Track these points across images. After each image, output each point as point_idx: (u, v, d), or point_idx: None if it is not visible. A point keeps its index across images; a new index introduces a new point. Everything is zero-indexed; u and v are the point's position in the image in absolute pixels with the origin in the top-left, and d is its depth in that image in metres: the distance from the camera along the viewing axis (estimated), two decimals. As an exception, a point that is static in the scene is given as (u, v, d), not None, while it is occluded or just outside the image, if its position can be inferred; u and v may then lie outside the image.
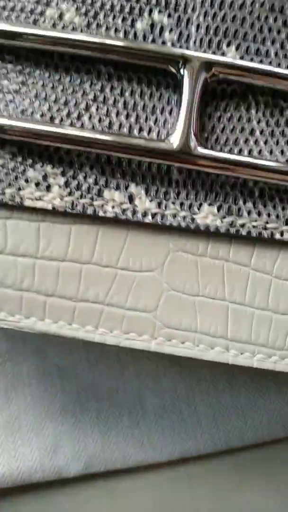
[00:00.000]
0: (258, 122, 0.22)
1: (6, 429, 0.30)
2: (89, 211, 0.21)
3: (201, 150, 0.21)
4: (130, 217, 0.21)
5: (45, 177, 0.21)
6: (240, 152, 0.22)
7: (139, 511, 0.31)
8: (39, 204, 0.21)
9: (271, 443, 0.32)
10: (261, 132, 0.22)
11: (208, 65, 0.21)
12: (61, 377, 0.31)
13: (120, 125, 0.21)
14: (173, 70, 0.21)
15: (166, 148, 0.21)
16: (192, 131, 0.21)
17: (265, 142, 0.22)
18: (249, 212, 0.22)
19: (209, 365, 0.31)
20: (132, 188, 0.22)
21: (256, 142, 0.22)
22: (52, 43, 0.21)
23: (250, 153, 0.22)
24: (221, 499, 0.31)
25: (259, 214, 0.22)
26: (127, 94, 0.21)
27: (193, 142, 0.21)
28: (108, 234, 0.22)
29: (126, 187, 0.22)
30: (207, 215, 0.22)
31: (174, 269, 0.22)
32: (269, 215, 0.22)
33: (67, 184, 0.21)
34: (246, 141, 0.22)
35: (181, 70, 0.21)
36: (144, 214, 0.22)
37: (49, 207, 0.21)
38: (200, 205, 0.22)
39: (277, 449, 0.32)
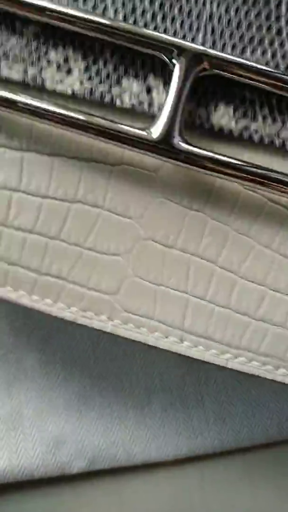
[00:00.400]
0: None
1: (8, 423, 0.29)
2: (107, 98, 0.21)
3: (183, 145, 0.20)
4: (146, 109, 0.21)
5: (66, 60, 0.21)
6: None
7: (149, 511, 0.30)
8: (59, 88, 0.21)
9: (282, 443, 0.31)
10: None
11: (200, 57, 0.20)
12: (65, 371, 0.30)
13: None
14: (165, 59, 0.20)
15: (145, 137, 0.20)
16: (176, 123, 0.20)
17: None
18: (264, 118, 0.21)
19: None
20: (151, 80, 0.21)
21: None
22: (46, 15, 0.20)
23: None
24: (233, 500, 0.30)
25: (274, 120, 0.21)
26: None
27: (176, 136, 0.20)
28: (79, 213, 0.22)
29: (145, 78, 0.21)
30: (223, 115, 0.21)
31: (141, 257, 0.22)
32: (283, 122, 0.21)
33: (87, 68, 0.21)
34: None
35: (173, 60, 0.20)
36: (160, 108, 0.21)
37: (69, 91, 0.21)
38: (217, 105, 0.21)
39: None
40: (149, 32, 0.20)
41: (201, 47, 0.20)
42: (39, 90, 0.21)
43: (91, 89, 0.21)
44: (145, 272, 0.22)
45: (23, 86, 0.21)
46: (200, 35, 0.21)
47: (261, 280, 0.22)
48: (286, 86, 0.20)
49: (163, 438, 0.30)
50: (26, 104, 0.20)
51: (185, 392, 0.30)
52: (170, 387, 0.30)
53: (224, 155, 0.20)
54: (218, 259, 0.22)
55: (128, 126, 0.20)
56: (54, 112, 0.20)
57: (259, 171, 0.20)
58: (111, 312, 0.22)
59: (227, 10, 0.21)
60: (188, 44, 0.20)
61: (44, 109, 0.20)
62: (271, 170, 0.20)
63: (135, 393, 0.30)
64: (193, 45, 0.20)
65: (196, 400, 0.30)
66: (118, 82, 0.21)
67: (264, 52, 0.21)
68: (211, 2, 0.21)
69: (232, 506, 0.30)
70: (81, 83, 0.21)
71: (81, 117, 0.20)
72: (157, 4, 0.21)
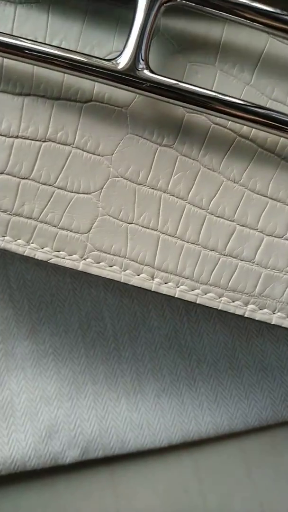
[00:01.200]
0: None
1: (-1, 413, 0.29)
2: None
3: (147, 74, 0.20)
4: None
5: None
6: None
7: (144, 501, 0.29)
8: None
9: (277, 427, 0.30)
10: None
11: None
12: (56, 360, 0.29)
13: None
14: None
15: (111, 68, 0.20)
16: (141, 54, 0.20)
17: None
18: None
19: (210, 344, 0.30)
20: None
21: None
22: None
23: None
24: (230, 488, 0.30)
25: None
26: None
27: (140, 65, 0.20)
28: (50, 152, 0.22)
29: None
30: None
31: (111, 195, 0.22)
32: None
33: None
34: None
35: None
36: None
37: None
38: None
39: (285, 434, 0.31)
40: None
41: None
42: None
43: None
44: (116, 210, 0.22)
45: None
46: None
47: (230, 215, 0.22)
48: (251, 13, 0.20)
49: (156, 424, 0.29)
50: None
51: (177, 376, 0.30)
52: (162, 372, 0.30)
53: (189, 84, 0.20)
54: (187, 196, 0.22)
55: (95, 57, 0.20)
56: (21, 47, 0.20)
57: (226, 98, 0.20)
58: (83, 251, 0.23)
59: None
60: None
61: (12, 45, 0.20)
62: (238, 99, 0.20)
63: (127, 379, 0.30)
64: None
65: (188, 385, 0.30)
66: None
67: None
68: None
69: (230, 495, 0.30)
70: None
71: (49, 50, 0.20)
72: None
